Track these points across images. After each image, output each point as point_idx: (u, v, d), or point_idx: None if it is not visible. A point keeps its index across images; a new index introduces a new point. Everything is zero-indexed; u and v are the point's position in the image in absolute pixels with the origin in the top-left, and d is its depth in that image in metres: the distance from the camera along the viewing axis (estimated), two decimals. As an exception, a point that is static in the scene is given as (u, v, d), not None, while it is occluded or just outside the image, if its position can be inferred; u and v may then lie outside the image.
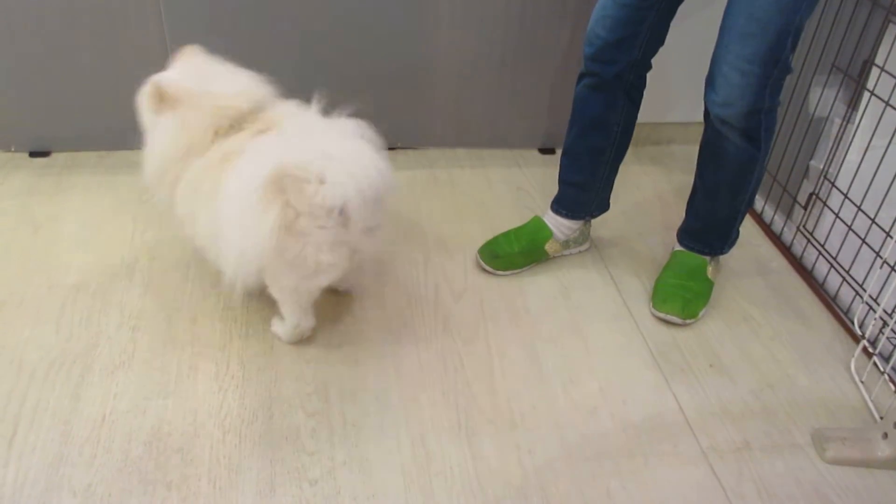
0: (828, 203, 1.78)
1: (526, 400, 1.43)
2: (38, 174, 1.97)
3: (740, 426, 1.42)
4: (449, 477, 1.28)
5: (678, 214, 1.75)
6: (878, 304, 1.55)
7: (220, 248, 1.30)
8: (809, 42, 1.80)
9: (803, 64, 1.83)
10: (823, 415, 1.46)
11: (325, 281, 1.36)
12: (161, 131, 1.39)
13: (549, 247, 1.77)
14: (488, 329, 1.59)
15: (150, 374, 1.42)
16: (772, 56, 1.36)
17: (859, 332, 1.62)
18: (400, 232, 1.86)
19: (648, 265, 1.80)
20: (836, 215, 1.73)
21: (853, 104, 1.72)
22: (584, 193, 1.74)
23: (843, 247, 1.71)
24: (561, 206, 1.77)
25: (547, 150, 2.27)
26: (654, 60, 1.58)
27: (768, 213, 2.02)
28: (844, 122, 1.74)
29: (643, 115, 1.66)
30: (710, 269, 1.70)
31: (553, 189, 1.78)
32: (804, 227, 1.86)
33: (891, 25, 1.60)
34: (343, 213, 1.24)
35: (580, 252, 1.84)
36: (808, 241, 1.84)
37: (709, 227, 1.68)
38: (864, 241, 1.64)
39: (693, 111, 2.20)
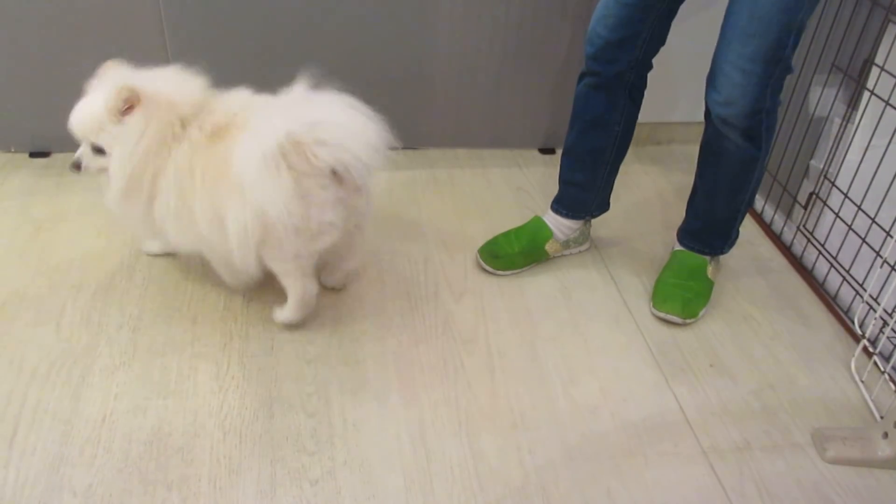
0: (828, 203, 1.78)
1: (526, 400, 1.43)
2: (38, 174, 1.97)
3: (741, 426, 1.42)
4: (449, 477, 1.28)
5: (678, 214, 1.75)
6: (879, 304, 1.55)
7: (226, 227, 1.34)
8: (809, 42, 1.80)
9: (803, 64, 1.83)
10: (824, 414, 1.46)
11: (325, 242, 1.41)
12: (132, 130, 1.38)
13: (550, 247, 1.77)
14: (488, 329, 1.59)
15: (150, 375, 1.42)
16: (774, 55, 1.36)
17: (860, 332, 1.62)
18: (400, 232, 1.86)
19: (648, 265, 1.80)
20: (837, 215, 1.73)
21: (853, 104, 1.72)
22: (584, 193, 1.74)
23: (844, 246, 1.71)
24: (561, 205, 1.77)
25: (547, 150, 2.27)
26: (654, 60, 1.58)
27: (768, 212, 2.02)
28: (844, 122, 1.74)
29: (644, 115, 1.66)
30: (710, 268, 1.70)
31: (553, 189, 1.78)
32: (804, 226, 1.86)
33: (891, 25, 1.60)
34: (337, 173, 1.32)
35: (580, 252, 1.84)
36: (809, 240, 1.84)
37: (709, 226, 1.68)
38: (864, 240, 1.64)
39: (693, 111, 2.20)
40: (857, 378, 1.53)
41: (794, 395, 1.49)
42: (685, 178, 1.99)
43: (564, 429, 1.38)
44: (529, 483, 1.28)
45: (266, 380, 1.43)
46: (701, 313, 1.66)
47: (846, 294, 1.71)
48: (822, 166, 1.81)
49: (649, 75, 1.60)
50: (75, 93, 1.40)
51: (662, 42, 1.55)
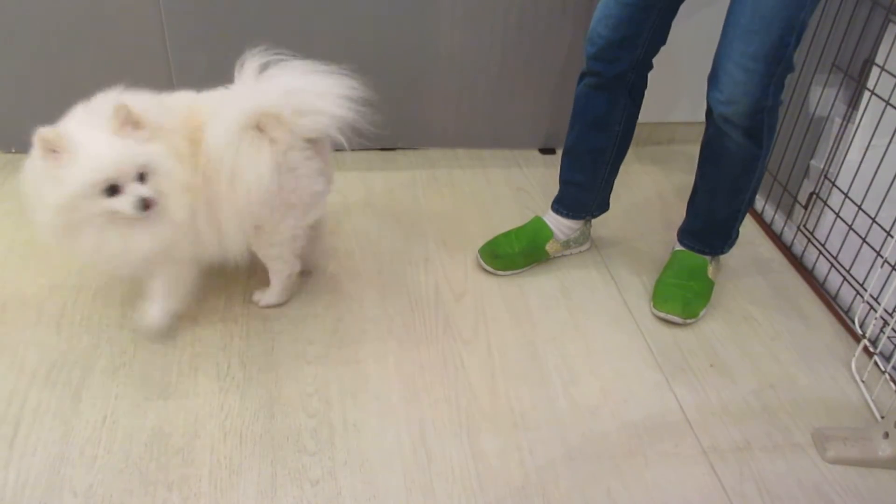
0: (828, 202, 1.78)
1: (526, 400, 1.43)
2: (38, 175, 1.97)
3: (741, 426, 1.42)
4: (450, 477, 1.28)
5: (679, 214, 1.75)
6: (879, 304, 1.55)
7: (220, 218, 1.33)
8: (809, 41, 1.80)
9: (804, 63, 1.83)
10: (824, 414, 1.46)
11: (315, 215, 1.42)
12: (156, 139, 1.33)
13: (550, 247, 1.77)
14: (489, 329, 1.59)
15: (150, 375, 1.42)
16: (776, 53, 1.36)
17: (860, 332, 1.62)
18: (400, 232, 1.86)
19: (649, 265, 1.80)
20: (837, 215, 1.73)
21: (853, 103, 1.72)
22: (584, 193, 1.74)
23: (844, 246, 1.71)
24: (561, 205, 1.77)
25: (547, 151, 2.27)
26: (655, 60, 1.58)
27: (769, 212, 2.01)
28: (845, 122, 1.74)
29: (644, 115, 1.66)
30: (710, 268, 1.70)
31: (553, 189, 1.78)
32: (804, 226, 1.86)
33: (891, 25, 1.60)
34: (314, 142, 1.32)
35: (581, 252, 1.84)
36: (809, 240, 1.84)
37: (709, 226, 1.68)
38: (864, 240, 1.64)
39: (694, 111, 2.20)
40: (857, 378, 1.53)
41: (795, 395, 1.49)
42: (685, 178, 1.98)
43: (565, 429, 1.38)
44: (530, 483, 1.28)
45: (267, 380, 1.43)
46: (701, 313, 1.66)
47: (846, 294, 1.71)
48: (822, 166, 1.80)
49: (650, 75, 1.60)
50: (76, 94, 1.40)
51: (663, 42, 1.55)
